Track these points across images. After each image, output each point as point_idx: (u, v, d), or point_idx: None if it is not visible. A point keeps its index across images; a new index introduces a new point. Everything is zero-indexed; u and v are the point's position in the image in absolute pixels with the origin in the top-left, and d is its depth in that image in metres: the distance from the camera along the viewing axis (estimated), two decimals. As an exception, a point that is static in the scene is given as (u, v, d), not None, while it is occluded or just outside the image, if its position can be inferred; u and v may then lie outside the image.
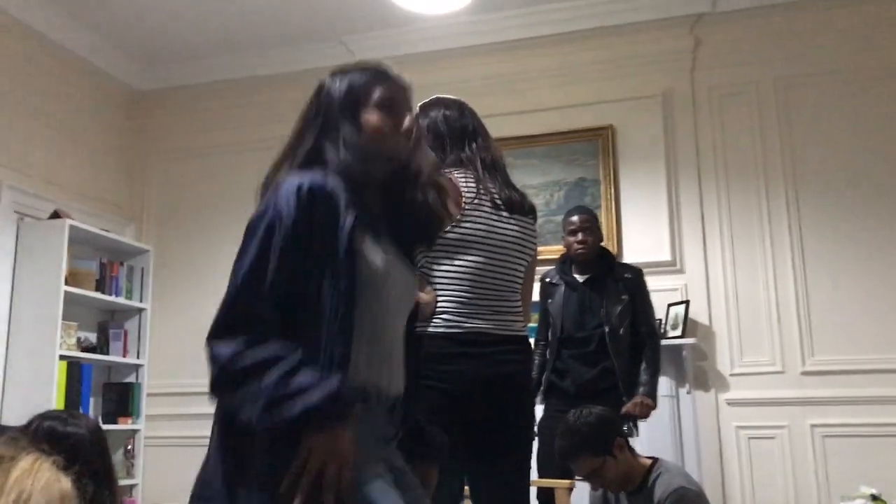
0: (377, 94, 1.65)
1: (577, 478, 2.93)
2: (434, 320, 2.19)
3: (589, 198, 4.79)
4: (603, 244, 3.84)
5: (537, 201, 4.70)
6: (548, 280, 3.82)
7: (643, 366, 3.58)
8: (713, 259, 4.59)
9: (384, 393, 1.59)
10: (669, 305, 4.52)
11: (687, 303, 4.48)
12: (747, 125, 4.69)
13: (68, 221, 4.58)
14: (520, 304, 2.35)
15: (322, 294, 1.48)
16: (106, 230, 5.05)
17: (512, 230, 2.31)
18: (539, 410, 3.40)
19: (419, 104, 2.42)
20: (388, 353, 1.61)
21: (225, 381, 1.44)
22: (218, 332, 1.45)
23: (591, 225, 3.73)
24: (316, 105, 1.67)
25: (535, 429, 3.43)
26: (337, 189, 1.52)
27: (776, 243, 4.52)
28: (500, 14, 4.96)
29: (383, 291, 1.57)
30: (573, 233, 3.70)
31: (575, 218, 3.74)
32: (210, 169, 5.56)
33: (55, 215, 4.70)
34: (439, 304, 2.20)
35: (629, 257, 4.66)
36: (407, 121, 1.66)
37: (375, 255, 1.55)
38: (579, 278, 3.71)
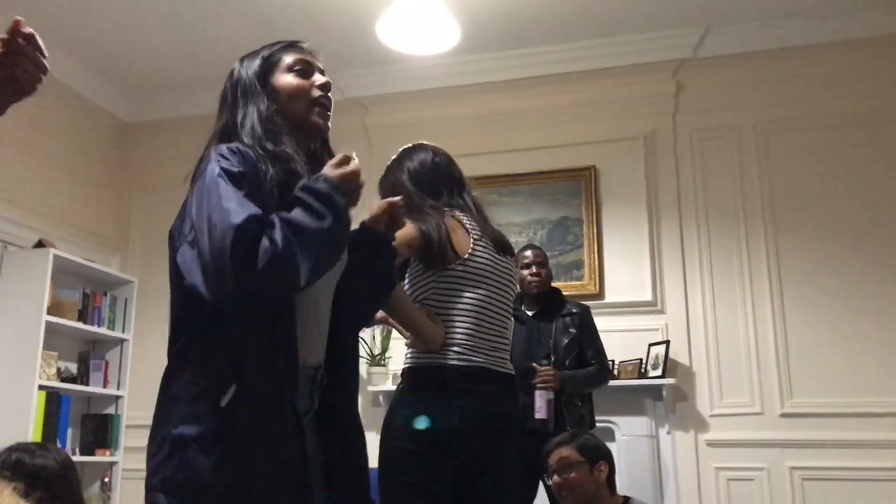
0: (287, 59, 1.69)
1: (545, 478, 2.96)
2: (444, 353, 2.23)
3: (571, 236, 4.84)
4: (553, 284, 3.96)
5: (520, 239, 4.78)
6: None
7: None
8: (693, 300, 4.64)
9: (310, 365, 1.60)
10: (650, 345, 4.55)
11: (667, 343, 4.51)
12: (728, 169, 4.77)
13: (52, 251, 4.58)
14: (509, 341, 2.41)
15: None
16: (90, 260, 5.05)
17: (505, 268, 2.38)
18: None
19: (402, 148, 2.48)
20: (320, 325, 1.63)
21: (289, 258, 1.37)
22: (242, 254, 1.35)
23: (543, 260, 3.87)
24: (229, 86, 1.70)
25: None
26: (252, 152, 1.53)
27: (756, 285, 4.57)
28: (487, 55, 5.05)
29: None
30: (527, 266, 3.81)
31: (528, 253, 3.86)
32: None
33: (40, 244, 4.70)
34: (448, 337, 2.23)
35: (611, 297, 4.71)
36: (319, 77, 1.68)
37: None
38: (529, 312, 3.81)
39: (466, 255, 2.27)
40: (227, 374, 1.44)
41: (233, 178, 1.45)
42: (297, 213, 1.43)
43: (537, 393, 3.45)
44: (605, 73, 4.98)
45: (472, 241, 2.30)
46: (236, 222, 1.35)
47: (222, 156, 1.48)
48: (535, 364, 3.54)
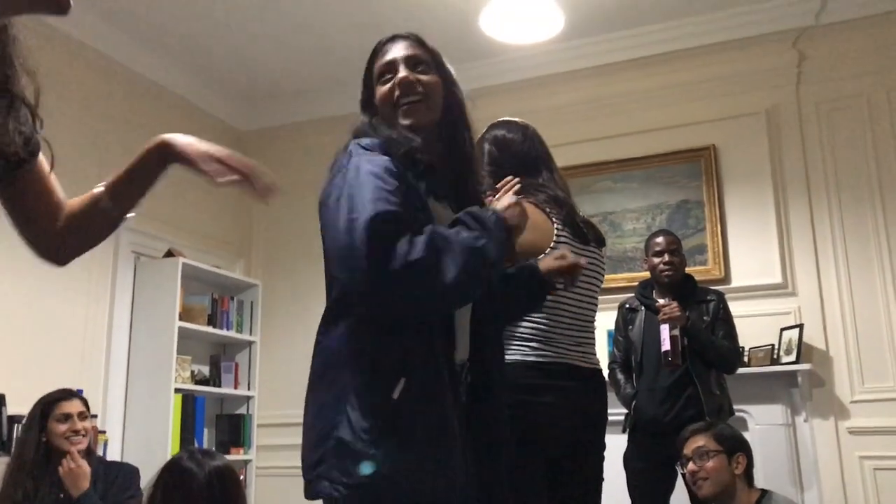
0: (377, 69, 1.73)
1: (679, 467, 2.90)
2: (520, 347, 2.17)
3: (693, 220, 4.67)
4: (687, 270, 3.82)
5: (638, 225, 4.65)
6: (627, 306, 3.78)
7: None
8: (827, 280, 4.39)
9: (457, 361, 1.59)
10: (782, 330, 4.34)
11: (801, 326, 4.29)
12: (859, 140, 4.48)
13: (181, 259, 4.78)
14: (594, 335, 2.32)
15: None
16: (216, 266, 5.24)
17: (590, 259, 2.28)
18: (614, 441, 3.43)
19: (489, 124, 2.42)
20: (463, 318, 1.62)
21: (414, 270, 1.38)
22: (378, 245, 1.39)
23: (677, 247, 3.72)
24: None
25: (622, 462, 3.42)
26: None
27: (895, 261, 4.28)
28: (592, 39, 4.92)
29: None
30: (659, 254, 3.67)
31: (660, 239, 3.71)
32: (314, 204, 5.68)
33: (169, 254, 4.91)
34: (525, 331, 2.17)
35: (737, 281, 4.52)
36: (397, 76, 1.69)
37: (442, 214, 1.59)
38: (660, 301, 3.64)
39: (547, 250, 2.16)
40: (396, 367, 1.43)
41: (376, 174, 1.49)
42: (452, 230, 1.46)
43: (662, 326, 3.43)
44: (720, 48, 4.77)
45: (554, 230, 2.20)
46: (370, 216, 1.40)
47: (365, 149, 1.57)
48: (660, 300, 3.50)
